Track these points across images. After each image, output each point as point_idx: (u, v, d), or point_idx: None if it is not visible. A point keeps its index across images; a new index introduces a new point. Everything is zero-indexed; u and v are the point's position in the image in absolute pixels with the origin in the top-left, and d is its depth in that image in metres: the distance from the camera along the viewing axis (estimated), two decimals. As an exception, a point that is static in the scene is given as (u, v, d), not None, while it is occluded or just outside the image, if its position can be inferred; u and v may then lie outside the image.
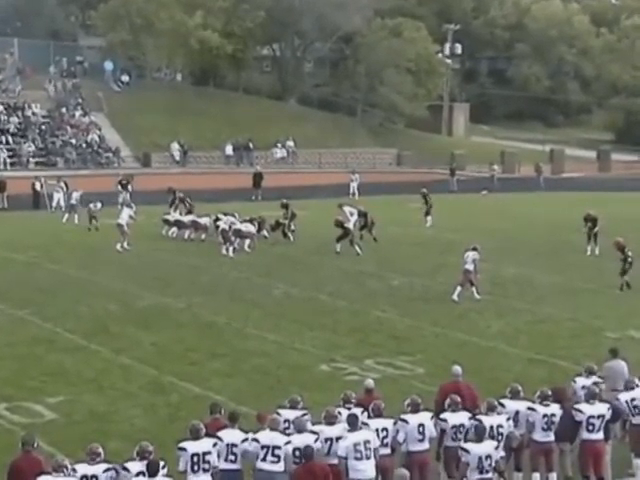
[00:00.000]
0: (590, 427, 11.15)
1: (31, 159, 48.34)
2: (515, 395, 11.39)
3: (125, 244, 27.35)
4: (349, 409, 10.88)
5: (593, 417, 11.16)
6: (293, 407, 10.92)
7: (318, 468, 9.84)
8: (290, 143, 57.11)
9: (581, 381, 12.10)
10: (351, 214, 29.66)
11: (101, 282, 22.88)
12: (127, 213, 27.96)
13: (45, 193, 38.03)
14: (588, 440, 11.14)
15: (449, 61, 69.84)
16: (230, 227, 27.10)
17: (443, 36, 68.94)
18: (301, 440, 10.17)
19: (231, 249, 26.71)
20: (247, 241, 27.67)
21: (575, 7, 77.98)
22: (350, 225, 29.18)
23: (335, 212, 30.28)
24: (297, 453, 10.11)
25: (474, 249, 21.84)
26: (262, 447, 10.08)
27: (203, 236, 29.13)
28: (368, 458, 10.19)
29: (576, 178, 56.40)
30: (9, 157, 47.71)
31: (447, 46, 69.20)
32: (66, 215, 33.06)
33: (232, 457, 10.13)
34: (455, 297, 21.22)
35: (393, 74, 63.05)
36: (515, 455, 11.21)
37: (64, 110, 52.82)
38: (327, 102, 65.43)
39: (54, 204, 36.93)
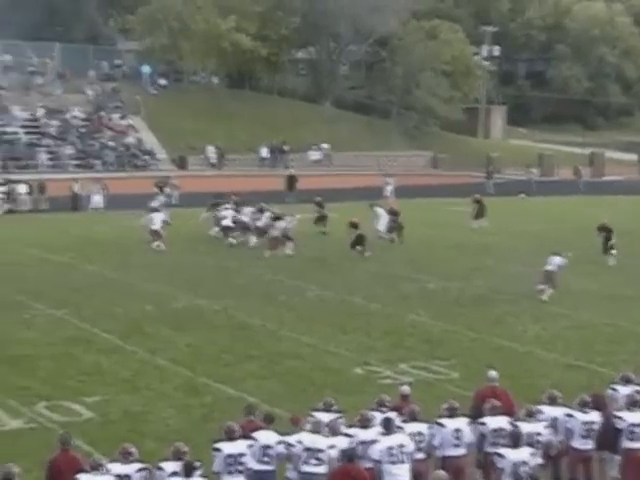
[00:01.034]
0: (631, 435, 10.95)
1: (70, 161, 48.90)
2: (553, 401, 11.25)
3: (162, 245, 27.53)
4: (383, 413, 10.86)
5: (634, 425, 10.96)
6: (327, 410, 10.92)
7: (356, 471, 9.79)
8: (325, 146, 57.16)
9: (620, 388, 11.91)
10: (381, 216, 29.89)
11: (136, 283, 23.07)
12: (160, 218, 28.12)
13: (84, 195, 38.52)
14: (630, 449, 10.95)
15: (486, 63, 69.46)
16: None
17: (480, 38, 68.58)
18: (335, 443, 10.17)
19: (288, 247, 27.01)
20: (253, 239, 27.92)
21: (619, 8, 77.21)
22: (380, 226, 29.41)
23: (368, 215, 30.34)
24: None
25: (558, 254, 22.12)
26: (305, 449, 10.07)
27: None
28: (403, 462, 10.15)
29: (616, 181, 55.82)
30: (49, 159, 48.33)
31: (484, 48, 68.82)
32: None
33: (266, 458, 10.15)
34: (544, 297, 21.52)
35: (429, 76, 62.84)
36: (553, 463, 11.03)
37: (103, 113, 53.37)
38: (362, 105, 65.36)
39: (92, 205, 37.41)
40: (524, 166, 54.64)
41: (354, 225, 27.62)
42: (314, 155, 56.96)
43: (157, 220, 28.08)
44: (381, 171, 49.83)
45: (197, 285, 22.94)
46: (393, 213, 30.25)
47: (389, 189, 43.35)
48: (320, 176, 51.68)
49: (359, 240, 27.01)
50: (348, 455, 9.82)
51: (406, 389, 11.64)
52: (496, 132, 71.00)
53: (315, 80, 67.20)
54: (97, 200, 37.93)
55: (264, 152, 55.07)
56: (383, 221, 30.19)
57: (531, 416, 10.85)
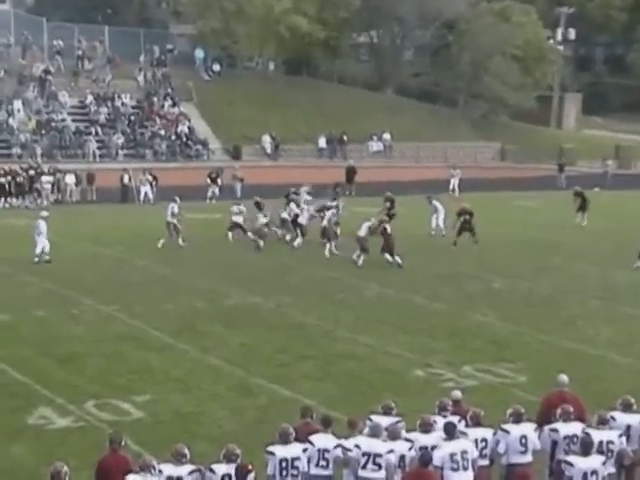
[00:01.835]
0: None
1: (120, 151, 49.57)
2: (627, 408, 11.17)
3: (180, 240, 27.65)
4: (445, 417, 10.93)
5: None
6: (387, 413, 11.00)
7: (429, 476, 9.86)
8: (386, 136, 57.12)
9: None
10: (439, 210, 29.88)
11: (188, 279, 23.41)
12: (171, 209, 28.11)
13: (133, 186, 39.04)
14: None
15: (561, 47, 68.70)
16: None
17: (554, 20, 67.77)
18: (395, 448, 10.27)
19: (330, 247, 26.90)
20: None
21: None
22: (438, 221, 29.41)
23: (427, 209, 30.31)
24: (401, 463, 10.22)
25: None
26: (363, 454, 10.17)
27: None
28: (465, 469, 10.21)
29: (699, 175, 54.93)
30: (98, 149, 49.01)
31: (559, 31, 68.04)
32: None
33: (324, 462, 10.26)
34: None
35: (499, 62, 62.36)
36: (627, 473, 10.95)
37: (154, 100, 53.96)
38: (427, 92, 65.14)
39: (142, 197, 37.89)
40: (600, 158, 54.00)
41: (384, 230, 25.42)
42: (375, 146, 56.98)
43: (169, 211, 27.88)
44: (448, 163, 49.53)
45: (251, 282, 23.20)
46: (465, 213, 28.76)
47: (454, 182, 43.20)
48: (381, 168, 51.73)
49: (388, 246, 25.08)
50: (423, 459, 9.91)
51: (457, 394, 11.65)
52: (570, 122, 70.21)
53: (377, 66, 67.12)
54: (146, 191, 38.34)
55: (322, 142, 55.29)
56: (441, 216, 30.13)
57: (603, 423, 10.81)
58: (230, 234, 28.37)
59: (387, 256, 24.94)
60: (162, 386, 15.44)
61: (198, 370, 16.32)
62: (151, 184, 38.54)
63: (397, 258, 24.84)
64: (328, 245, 26.90)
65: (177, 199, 28.13)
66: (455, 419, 10.84)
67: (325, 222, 27.35)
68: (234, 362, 16.70)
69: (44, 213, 25.90)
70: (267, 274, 24.39)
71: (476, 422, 10.85)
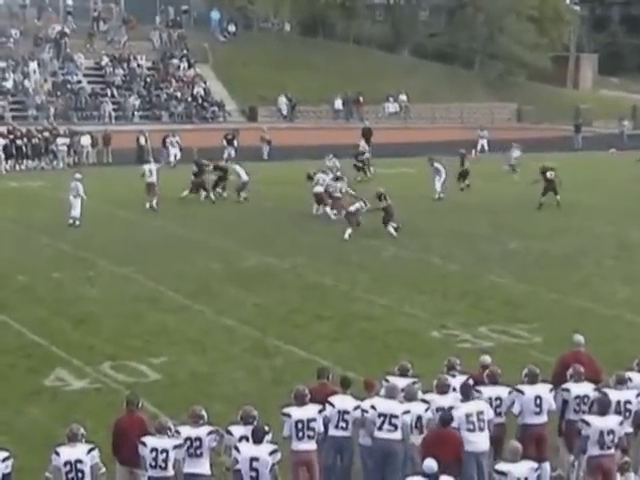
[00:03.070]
0: None
1: (135, 113, 49.40)
2: (644, 369, 11.06)
3: (154, 203, 27.44)
4: (454, 376, 10.86)
5: None
6: (403, 375, 10.92)
7: (450, 435, 9.82)
8: (403, 97, 56.70)
9: None
10: (441, 172, 29.38)
11: (204, 240, 23.33)
12: (149, 168, 27.84)
13: (150, 148, 38.85)
14: None
15: (577, 7, 67.91)
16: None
17: (570, -20, 67.12)
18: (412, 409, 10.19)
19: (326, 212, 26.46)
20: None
21: None
22: (437, 186, 28.95)
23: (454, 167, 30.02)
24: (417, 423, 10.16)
25: None
26: (379, 415, 10.09)
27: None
28: (482, 430, 10.14)
29: None
30: (114, 110, 48.86)
31: (575, -9, 67.32)
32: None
33: (343, 424, 10.19)
34: None
35: (514, 22, 61.71)
36: (644, 433, 10.88)
37: (171, 62, 53.67)
38: (442, 53, 64.54)
39: (171, 159, 37.41)
40: (616, 119, 53.41)
41: (380, 196, 24.29)
42: (391, 107, 56.60)
43: (147, 170, 27.71)
44: (465, 124, 49.11)
45: (266, 242, 23.11)
46: (546, 171, 28.46)
47: (482, 142, 42.96)
48: (397, 129, 51.38)
49: (387, 216, 24.11)
50: (444, 419, 9.86)
51: (487, 359, 11.53)
52: (586, 82, 69.43)
53: (393, 27, 66.53)
54: (175, 153, 37.83)
55: (338, 104, 54.90)
56: (442, 178, 29.67)
57: (621, 383, 10.71)
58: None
59: (390, 228, 24.15)
60: (178, 347, 15.39)
61: (214, 331, 16.26)
62: (179, 145, 38.23)
63: (390, 228, 24.10)
64: (326, 209, 26.44)
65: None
66: (470, 380, 10.74)
67: (319, 188, 26.79)
68: (249, 323, 16.63)
69: (78, 175, 25.73)
70: (282, 234, 24.29)
71: (493, 380, 10.78)
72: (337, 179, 27.04)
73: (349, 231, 23.78)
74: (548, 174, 28.48)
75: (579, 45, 69.80)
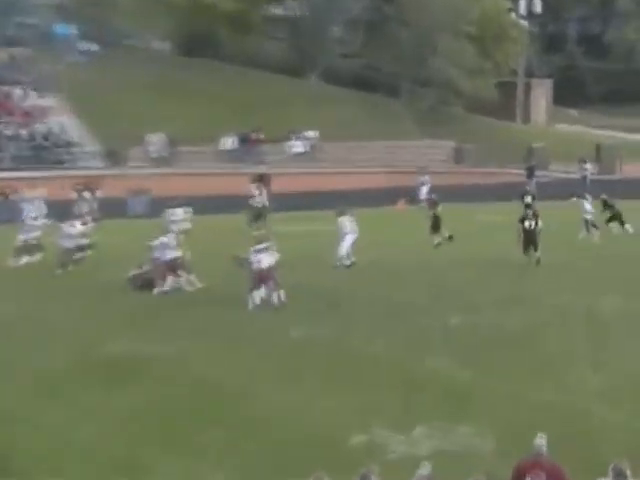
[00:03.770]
0: None
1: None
2: (619, 477, 11.32)
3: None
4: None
5: None
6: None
7: None
8: (311, 134, 57.12)
9: None
10: (345, 232, 29.69)
11: (54, 320, 22.93)
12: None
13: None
14: None
15: (525, 23, 69.72)
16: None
17: (517, -11, 69.04)
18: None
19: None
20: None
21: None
22: (341, 248, 29.34)
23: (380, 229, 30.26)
24: None
25: None
26: None
27: None
28: None
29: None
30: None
31: (522, 2, 69.09)
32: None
33: None
34: None
35: (450, 41, 63.05)
36: None
37: (10, 90, 53.13)
38: (361, 78, 65.51)
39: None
40: (577, 160, 54.73)
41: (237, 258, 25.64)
42: (296, 146, 56.91)
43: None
44: (392, 168, 49.87)
45: (136, 323, 22.81)
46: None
47: (425, 190, 43.66)
48: (303, 174, 51.66)
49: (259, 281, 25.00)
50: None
51: (425, 471, 11.48)
52: (539, 114, 71.25)
53: (297, 46, 67.29)
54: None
55: (229, 142, 54.89)
56: (347, 241, 29.90)
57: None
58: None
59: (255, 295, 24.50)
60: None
61: (65, 449, 15.78)
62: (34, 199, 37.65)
63: (274, 296, 24.47)
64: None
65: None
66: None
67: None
68: (113, 434, 16.22)
69: None
70: (161, 312, 24.02)
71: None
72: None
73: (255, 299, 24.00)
74: (526, 223, 29.62)
75: (529, 69, 71.62)
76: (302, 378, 19.03)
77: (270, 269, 24.48)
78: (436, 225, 33.34)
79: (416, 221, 36.15)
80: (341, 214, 30.28)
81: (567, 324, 23.07)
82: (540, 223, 29.91)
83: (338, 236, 30.18)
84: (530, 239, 29.58)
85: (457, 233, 35.23)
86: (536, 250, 29.52)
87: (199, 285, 26.56)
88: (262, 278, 24.48)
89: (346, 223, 30.02)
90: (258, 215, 35.75)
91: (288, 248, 28.11)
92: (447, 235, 33.44)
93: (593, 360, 20.37)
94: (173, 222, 30.97)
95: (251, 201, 36.46)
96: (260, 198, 36.97)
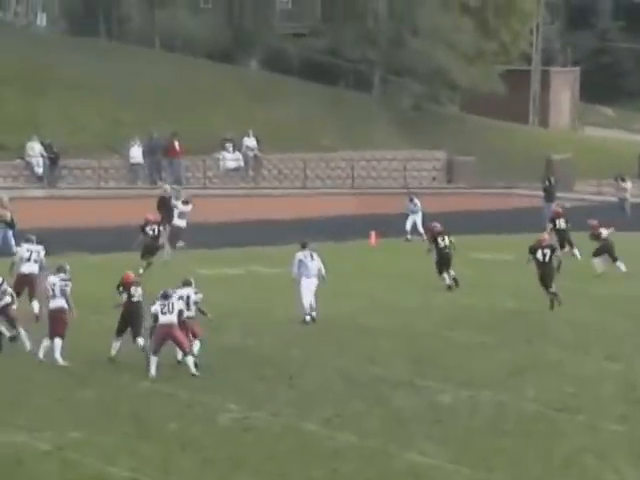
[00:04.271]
0: None
1: None
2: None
3: None
4: None
5: None
6: None
7: None
8: (250, 141, 57.00)
9: None
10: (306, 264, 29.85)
11: None
12: None
13: None
14: None
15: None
16: None
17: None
18: None
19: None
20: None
21: None
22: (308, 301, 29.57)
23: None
24: None
25: None
26: None
27: None
28: None
29: None
30: None
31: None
32: None
33: None
34: None
35: (438, 14, 63.32)
36: None
37: None
38: (318, 66, 65.60)
39: None
40: (612, 177, 54.92)
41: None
42: (230, 158, 56.79)
43: None
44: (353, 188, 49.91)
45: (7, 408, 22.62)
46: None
47: (415, 219, 43.93)
48: (238, 197, 51.52)
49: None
50: None
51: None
52: (561, 115, 71.74)
53: (230, 22, 67.38)
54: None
55: (135, 152, 54.59)
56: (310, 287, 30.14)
57: None
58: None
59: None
60: None
61: None
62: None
63: (189, 359, 24.87)
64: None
65: None
66: None
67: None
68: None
69: None
70: (40, 392, 23.81)
71: None
72: None
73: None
74: (539, 253, 31.00)
75: (547, 53, 72.08)
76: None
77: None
78: (446, 261, 34.30)
79: (397, 259, 36.10)
80: (303, 248, 30.52)
81: (598, 401, 23.07)
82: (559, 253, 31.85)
83: (297, 279, 30.34)
84: (546, 274, 31.39)
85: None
86: (549, 287, 31.20)
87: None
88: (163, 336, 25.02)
89: (307, 261, 30.14)
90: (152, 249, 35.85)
91: (215, 298, 28.03)
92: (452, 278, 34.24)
93: (631, 450, 20.36)
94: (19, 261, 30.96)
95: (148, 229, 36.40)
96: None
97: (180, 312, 25.17)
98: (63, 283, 26.49)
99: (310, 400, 23.31)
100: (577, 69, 73.05)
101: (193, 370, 24.67)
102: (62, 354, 25.85)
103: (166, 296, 25.16)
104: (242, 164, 57.14)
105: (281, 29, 68.37)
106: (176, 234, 39.27)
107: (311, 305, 30.02)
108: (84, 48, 60.58)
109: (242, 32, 66.32)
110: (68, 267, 26.99)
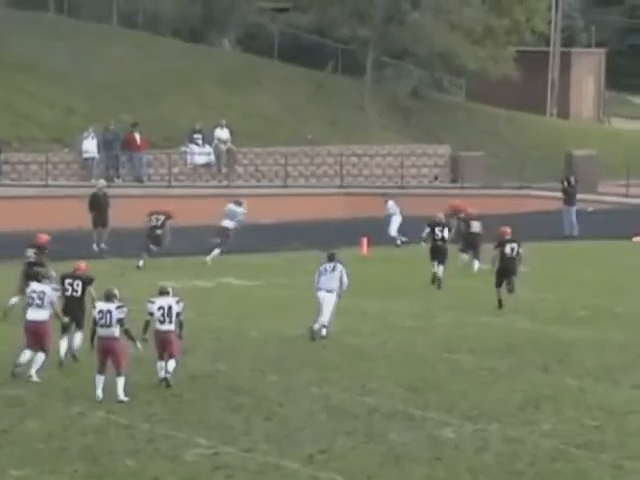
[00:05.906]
0: None
1: None
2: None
3: None
4: None
5: None
6: None
7: None
8: (222, 133, 57.01)
9: None
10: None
11: None
12: None
13: None
14: None
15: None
16: None
17: None
18: None
19: None
20: None
21: None
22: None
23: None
24: None
25: None
26: None
27: None
28: None
29: None
30: None
31: None
32: None
33: None
34: None
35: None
36: None
37: None
38: (302, 46, 65.65)
39: None
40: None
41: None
42: (198, 153, 56.79)
43: None
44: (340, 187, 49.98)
45: None
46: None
47: (396, 221, 44.02)
48: (208, 197, 51.50)
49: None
50: None
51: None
52: (584, 104, 71.86)
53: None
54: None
55: (87, 145, 54.48)
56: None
57: None
58: None
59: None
60: None
61: None
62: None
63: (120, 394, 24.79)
64: None
65: None
66: None
67: None
68: None
69: None
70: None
71: None
72: None
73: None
74: (508, 248, 32.32)
75: (568, 32, 72.23)
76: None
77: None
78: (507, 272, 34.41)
79: (391, 270, 36.18)
80: (329, 260, 30.79)
81: (631, 443, 23.08)
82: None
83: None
84: (509, 269, 33.13)
85: (451, 292, 35.28)
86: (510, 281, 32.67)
87: None
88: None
89: (327, 274, 30.43)
90: None
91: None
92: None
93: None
94: None
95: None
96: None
97: (120, 322, 24.93)
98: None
99: (290, 434, 23.25)
100: (602, 51, 73.22)
101: (121, 395, 24.64)
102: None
103: (108, 297, 25.06)
104: (213, 159, 57.22)
105: (259, 3, 68.37)
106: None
107: (327, 320, 30.09)
108: (29, 23, 60.52)
109: (214, 6, 66.31)
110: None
